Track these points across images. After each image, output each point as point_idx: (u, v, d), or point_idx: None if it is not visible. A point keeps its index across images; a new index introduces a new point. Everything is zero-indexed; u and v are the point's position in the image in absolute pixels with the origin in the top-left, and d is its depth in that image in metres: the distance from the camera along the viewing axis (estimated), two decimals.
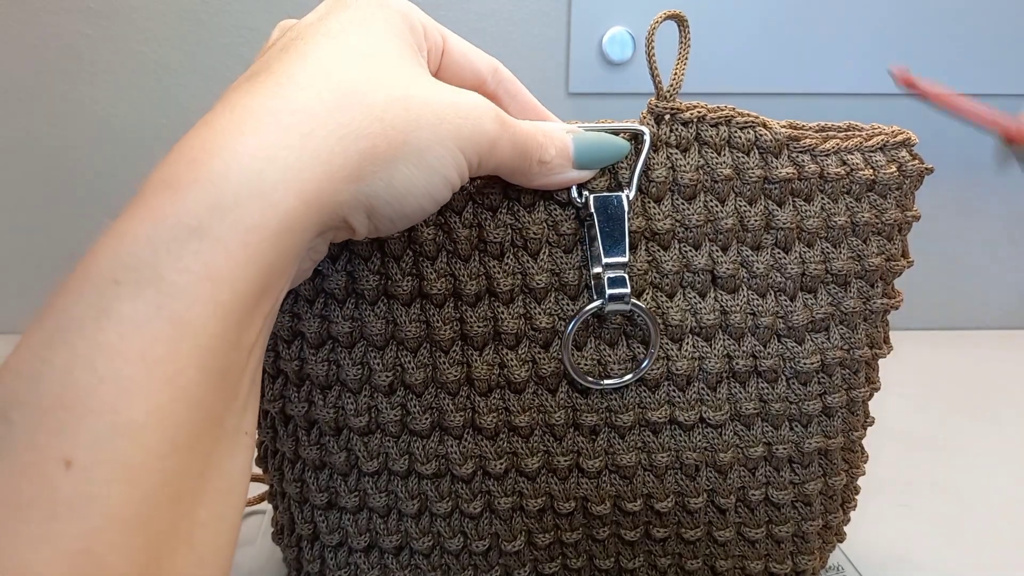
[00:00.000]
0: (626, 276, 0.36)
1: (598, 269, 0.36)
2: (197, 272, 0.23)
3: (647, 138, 0.36)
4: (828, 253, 0.38)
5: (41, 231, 0.84)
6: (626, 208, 0.36)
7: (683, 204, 0.37)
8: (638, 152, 0.36)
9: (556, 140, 0.34)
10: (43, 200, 0.83)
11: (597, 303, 0.36)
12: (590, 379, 0.37)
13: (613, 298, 0.35)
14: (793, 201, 0.37)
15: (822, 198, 0.37)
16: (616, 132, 0.36)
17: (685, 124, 0.37)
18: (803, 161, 0.37)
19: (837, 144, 0.37)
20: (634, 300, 0.36)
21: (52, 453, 0.20)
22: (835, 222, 0.37)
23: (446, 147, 0.29)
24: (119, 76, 0.80)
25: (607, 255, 0.35)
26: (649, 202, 0.37)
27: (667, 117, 0.37)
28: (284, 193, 0.25)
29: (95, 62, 0.79)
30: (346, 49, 0.29)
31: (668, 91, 0.37)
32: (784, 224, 0.37)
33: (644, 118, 0.37)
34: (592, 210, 0.35)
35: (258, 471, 0.44)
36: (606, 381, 0.37)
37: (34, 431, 0.21)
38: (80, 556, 0.20)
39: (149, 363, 0.22)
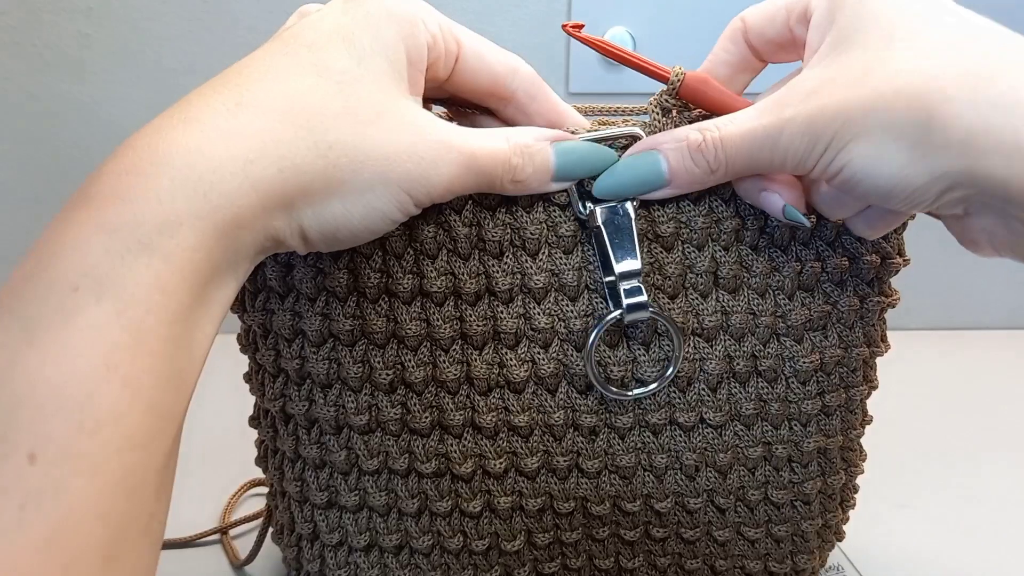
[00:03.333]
0: (641, 285, 0.35)
1: (611, 277, 0.36)
2: (149, 284, 0.25)
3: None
4: (823, 252, 0.38)
5: (41, 231, 0.84)
6: (632, 217, 0.36)
7: (688, 206, 0.37)
8: None
9: (536, 158, 0.34)
10: (43, 200, 0.83)
11: (616, 314, 0.36)
12: (614, 390, 0.37)
13: (632, 308, 0.35)
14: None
15: None
16: (614, 138, 0.36)
17: (691, 124, 0.37)
18: None
19: None
20: (652, 308, 0.36)
21: (20, 447, 0.22)
22: (827, 221, 0.37)
23: (389, 189, 0.30)
24: (119, 76, 0.80)
25: (619, 263, 0.35)
26: (653, 204, 0.37)
27: (674, 112, 0.37)
28: (224, 217, 0.27)
29: (95, 62, 0.79)
30: (318, 74, 0.30)
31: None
32: (779, 223, 0.37)
33: (651, 107, 0.37)
34: (600, 223, 0.35)
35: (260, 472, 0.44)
36: (634, 391, 0.37)
37: (5, 426, 0.22)
38: (48, 544, 0.22)
39: (110, 367, 0.24)
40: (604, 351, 0.37)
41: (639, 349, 0.37)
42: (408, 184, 0.31)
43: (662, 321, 0.36)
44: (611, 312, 0.36)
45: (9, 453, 0.22)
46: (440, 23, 0.33)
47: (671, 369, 0.37)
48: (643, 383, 0.37)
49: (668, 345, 0.37)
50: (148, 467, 0.25)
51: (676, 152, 0.34)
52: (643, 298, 0.35)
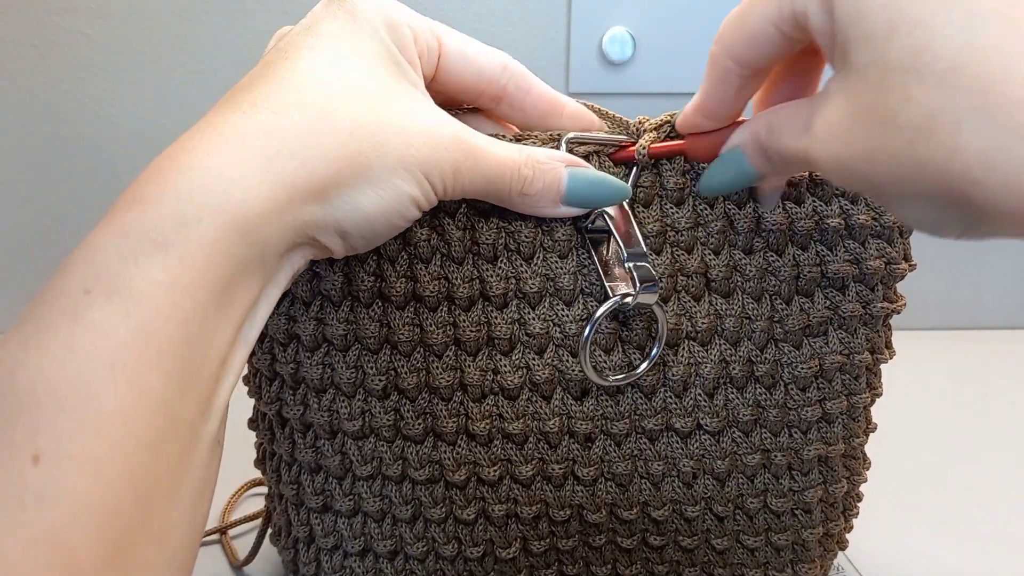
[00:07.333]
0: (650, 267, 0.35)
1: (618, 283, 0.35)
2: (161, 282, 0.25)
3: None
4: (823, 256, 0.37)
5: (41, 231, 0.84)
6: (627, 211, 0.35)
7: (671, 208, 0.37)
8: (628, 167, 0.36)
9: (547, 174, 0.34)
10: (43, 200, 0.83)
11: (617, 300, 0.35)
12: (608, 373, 0.36)
13: (644, 287, 0.34)
14: (783, 203, 0.37)
15: (813, 200, 0.37)
16: (606, 144, 0.36)
17: (672, 138, 0.36)
18: None
19: None
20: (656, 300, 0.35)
21: (23, 448, 0.22)
22: (828, 224, 0.37)
23: (411, 172, 0.30)
24: (119, 76, 0.80)
25: (628, 249, 0.35)
26: (638, 207, 0.36)
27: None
28: (246, 211, 0.27)
29: (95, 62, 0.79)
30: (325, 67, 0.30)
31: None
32: (774, 227, 0.37)
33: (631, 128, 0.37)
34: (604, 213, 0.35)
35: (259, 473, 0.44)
36: (614, 377, 0.36)
37: (6, 426, 0.22)
38: (50, 544, 0.22)
39: (116, 366, 0.23)
40: (599, 355, 0.37)
41: (634, 353, 0.37)
42: (426, 167, 0.30)
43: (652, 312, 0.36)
44: (618, 294, 0.35)
45: (13, 455, 0.22)
46: (416, 19, 0.33)
47: (655, 349, 0.36)
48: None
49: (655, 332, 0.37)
50: (159, 471, 0.24)
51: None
52: (655, 283, 0.35)
